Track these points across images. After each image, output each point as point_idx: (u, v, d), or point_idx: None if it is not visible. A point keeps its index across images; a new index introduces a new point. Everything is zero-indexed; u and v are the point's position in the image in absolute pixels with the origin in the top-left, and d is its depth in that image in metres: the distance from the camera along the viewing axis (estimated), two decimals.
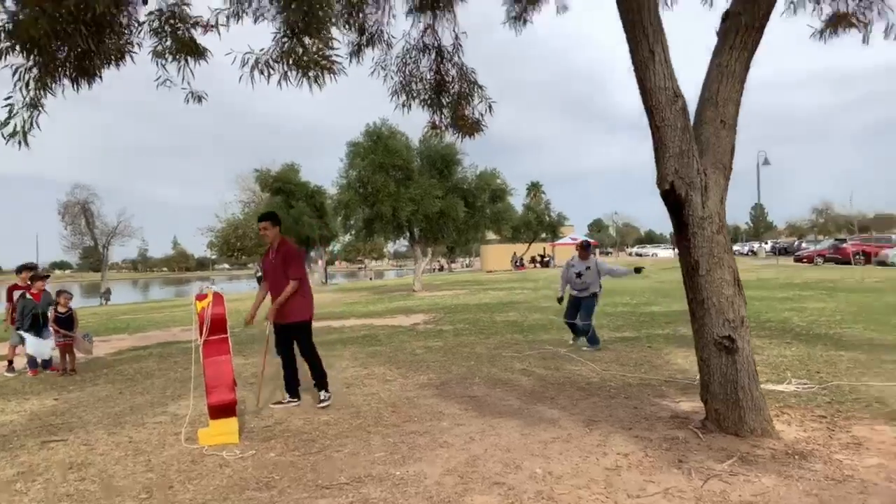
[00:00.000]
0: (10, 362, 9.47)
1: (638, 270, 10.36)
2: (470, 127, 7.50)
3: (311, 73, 5.24)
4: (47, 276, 10.35)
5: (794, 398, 5.99)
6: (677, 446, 4.74)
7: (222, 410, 5.28)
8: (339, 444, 5.21)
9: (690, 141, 4.63)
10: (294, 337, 6.65)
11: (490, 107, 7.26)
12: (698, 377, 6.93)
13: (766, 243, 66.08)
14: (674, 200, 4.71)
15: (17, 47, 4.65)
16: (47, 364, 9.37)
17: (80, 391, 7.87)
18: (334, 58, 5.36)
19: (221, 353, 5.37)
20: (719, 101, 4.76)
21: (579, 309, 9.69)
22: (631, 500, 3.85)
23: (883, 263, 30.50)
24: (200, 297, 5.50)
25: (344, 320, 15.54)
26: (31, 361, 9.29)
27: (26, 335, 9.10)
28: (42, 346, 9.19)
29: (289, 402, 6.63)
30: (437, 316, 15.49)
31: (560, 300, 10.20)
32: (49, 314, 9.25)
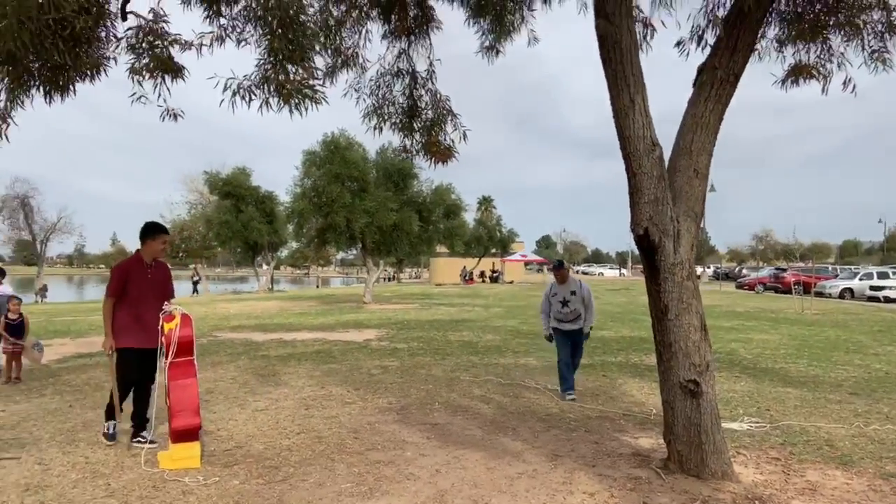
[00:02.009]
0: None
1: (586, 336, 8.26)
2: (441, 153, 7.53)
3: (292, 101, 5.20)
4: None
5: (748, 437, 6.19)
6: (641, 487, 4.84)
7: (186, 434, 5.16)
8: (303, 472, 5.16)
9: (665, 189, 4.77)
10: (153, 363, 5.88)
11: (464, 135, 7.31)
12: (654, 411, 7.16)
13: (709, 268, 68.12)
14: (647, 245, 4.84)
15: None
16: None
17: (27, 402, 7.56)
18: (317, 87, 5.33)
19: (187, 377, 5.26)
20: (693, 150, 4.93)
21: (576, 347, 8.18)
22: None
23: (821, 294, 31.75)
24: (168, 318, 5.39)
25: (295, 333, 15.35)
26: None
27: None
28: None
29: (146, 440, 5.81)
30: (390, 332, 15.44)
31: (550, 338, 8.34)
32: None
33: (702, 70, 5.02)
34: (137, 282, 5.83)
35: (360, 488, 4.81)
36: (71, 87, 4.94)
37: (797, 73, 6.85)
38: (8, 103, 4.67)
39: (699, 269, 63.66)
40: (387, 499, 4.60)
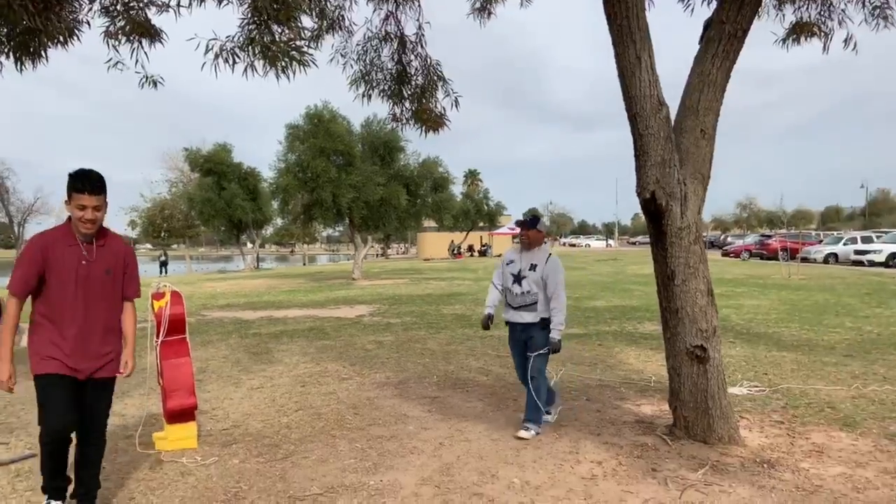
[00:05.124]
0: None
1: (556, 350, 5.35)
2: (433, 121, 7.32)
3: (279, 64, 4.97)
4: None
5: (749, 402, 6.14)
6: (648, 453, 4.77)
7: (181, 415, 5.00)
8: (304, 449, 5.04)
9: (672, 150, 4.63)
10: (105, 401, 3.85)
11: (456, 101, 7.11)
12: (653, 378, 7.10)
13: None
14: (654, 209, 4.71)
15: None
16: None
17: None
18: (304, 49, 5.10)
19: (180, 355, 5.08)
20: (700, 110, 4.79)
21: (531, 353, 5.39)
22: None
23: (806, 260, 31.93)
24: (157, 295, 5.18)
25: (286, 310, 15.19)
26: None
27: None
28: None
29: None
30: (382, 308, 15.31)
31: (487, 322, 5.59)
32: None
33: (708, 25, 4.86)
34: (76, 270, 3.55)
35: (363, 464, 4.70)
36: (43, 52, 4.69)
37: (799, 31, 6.70)
38: None
39: None
40: (392, 473, 4.50)
